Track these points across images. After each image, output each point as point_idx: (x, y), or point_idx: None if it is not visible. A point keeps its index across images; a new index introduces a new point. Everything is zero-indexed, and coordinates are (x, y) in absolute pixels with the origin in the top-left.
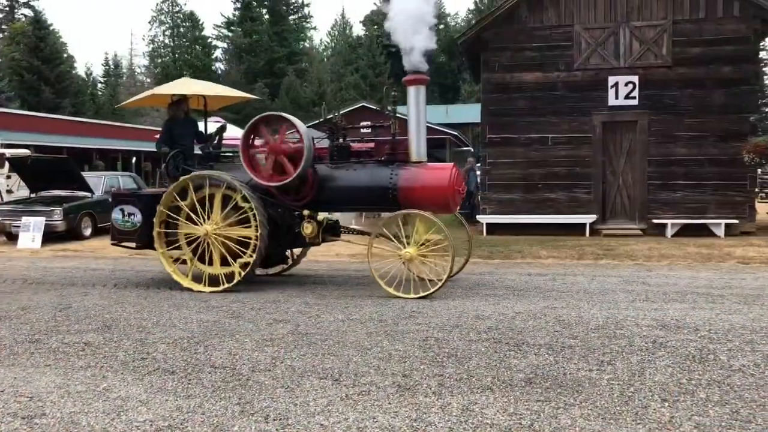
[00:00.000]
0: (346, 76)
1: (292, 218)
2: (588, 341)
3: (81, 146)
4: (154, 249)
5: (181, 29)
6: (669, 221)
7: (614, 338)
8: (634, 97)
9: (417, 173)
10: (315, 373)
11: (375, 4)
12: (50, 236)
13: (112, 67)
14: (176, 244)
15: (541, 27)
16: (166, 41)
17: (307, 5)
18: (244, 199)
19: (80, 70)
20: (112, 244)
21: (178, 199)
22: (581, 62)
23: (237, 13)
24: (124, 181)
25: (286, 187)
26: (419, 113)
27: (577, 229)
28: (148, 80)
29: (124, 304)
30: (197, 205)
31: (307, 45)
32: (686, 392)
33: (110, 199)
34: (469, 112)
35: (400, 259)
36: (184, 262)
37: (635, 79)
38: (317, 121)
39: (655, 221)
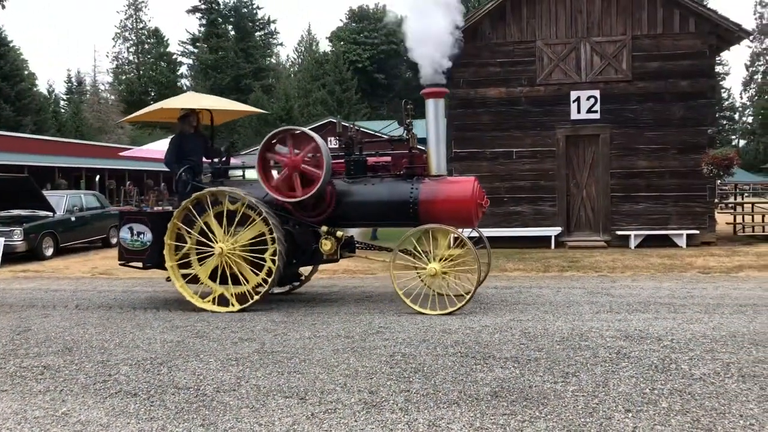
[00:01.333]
0: (313, 92)
1: (308, 234)
2: (553, 353)
3: (43, 164)
4: (164, 269)
5: (146, 46)
6: (632, 232)
7: (579, 350)
8: (596, 111)
9: (438, 187)
10: (280, 391)
11: (341, 20)
12: (10, 257)
13: (75, 84)
14: (185, 260)
15: (504, 43)
16: (131, 58)
17: (274, 21)
18: (261, 215)
19: (42, 87)
20: (120, 265)
21: (194, 213)
22: (544, 77)
23: (202, 29)
24: (87, 199)
25: (303, 202)
26: (438, 126)
27: (542, 242)
28: (113, 97)
29: (86, 326)
30: (213, 221)
31: (273, 61)
32: (649, 402)
33: (119, 218)
34: None
35: (424, 275)
36: (192, 280)
37: (596, 93)
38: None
39: (619, 233)
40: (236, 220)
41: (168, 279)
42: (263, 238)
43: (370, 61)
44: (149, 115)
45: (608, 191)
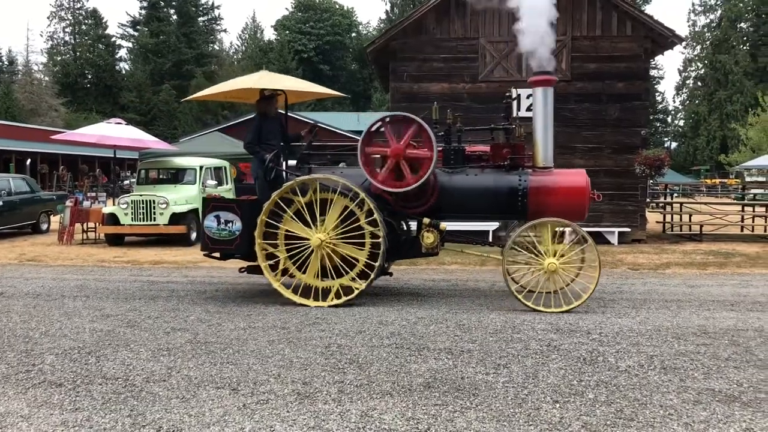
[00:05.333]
0: None
1: (402, 227)
2: (486, 345)
3: None
4: (252, 260)
5: (83, 26)
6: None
7: (511, 342)
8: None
9: (550, 179)
10: (212, 382)
11: (287, 9)
12: None
13: (6, 63)
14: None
15: (448, 39)
16: (67, 38)
17: (217, 7)
18: (361, 205)
19: None
20: (204, 255)
21: (297, 195)
22: (486, 74)
23: (143, 12)
24: (16, 183)
25: (405, 193)
26: (547, 116)
27: (481, 237)
28: (47, 78)
29: (10, 314)
30: (304, 210)
31: (216, 47)
32: (576, 393)
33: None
34: None
35: (542, 271)
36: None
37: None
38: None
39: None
40: (318, 209)
41: (242, 270)
42: (349, 211)
43: (315, 51)
44: (220, 95)
45: None
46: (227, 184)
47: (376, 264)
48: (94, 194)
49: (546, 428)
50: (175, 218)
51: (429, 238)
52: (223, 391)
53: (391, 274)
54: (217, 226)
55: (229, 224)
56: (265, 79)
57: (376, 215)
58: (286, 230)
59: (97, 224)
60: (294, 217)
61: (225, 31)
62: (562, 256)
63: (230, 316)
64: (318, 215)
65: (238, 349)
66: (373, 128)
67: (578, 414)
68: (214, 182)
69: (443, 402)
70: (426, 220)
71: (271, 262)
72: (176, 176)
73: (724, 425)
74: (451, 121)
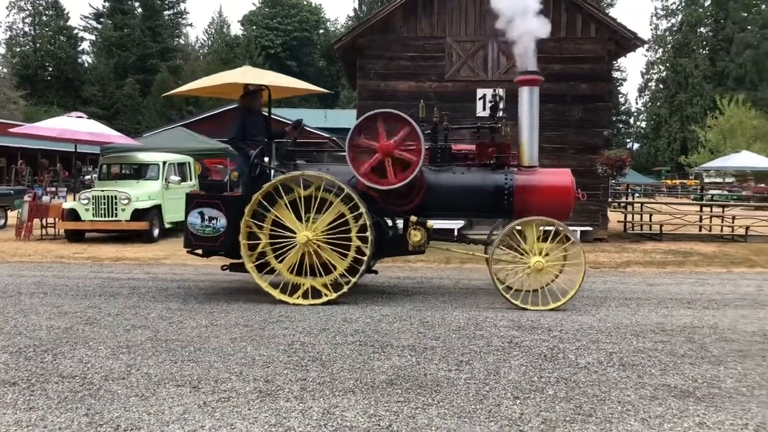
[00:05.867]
0: None
1: (388, 225)
2: (449, 342)
3: None
4: (236, 258)
5: (44, 17)
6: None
7: (474, 339)
8: (501, 109)
9: (536, 178)
10: (173, 380)
11: (254, 4)
12: None
13: None
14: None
15: (415, 38)
16: (26, 29)
17: (183, 1)
18: (357, 218)
19: None
20: (188, 252)
21: (280, 193)
22: (452, 74)
23: (107, 4)
24: None
25: (393, 191)
26: (533, 115)
27: (446, 235)
28: (5, 70)
29: None
30: (301, 203)
31: (182, 42)
32: (536, 389)
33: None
34: (348, 118)
35: (526, 270)
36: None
37: (502, 92)
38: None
39: (519, 227)
40: (313, 205)
41: (224, 267)
42: (344, 219)
43: (282, 47)
44: (203, 90)
45: None
46: (191, 180)
47: (361, 268)
48: (53, 189)
49: (506, 424)
50: (138, 214)
51: (416, 236)
52: (184, 389)
53: (376, 272)
54: (201, 222)
55: (214, 221)
56: (249, 74)
57: (362, 209)
58: (276, 217)
59: (57, 220)
60: (288, 206)
61: (191, 25)
62: (548, 254)
63: (192, 314)
64: (312, 212)
65: (199, 346)
66: (365, 122)
67: (538, 410)
68: (177, 178)
69: (405, 399)
70: (413, 218)
71: (257, 261)
72: (139, 171)
73: (678, 420)
74: (437, 119)
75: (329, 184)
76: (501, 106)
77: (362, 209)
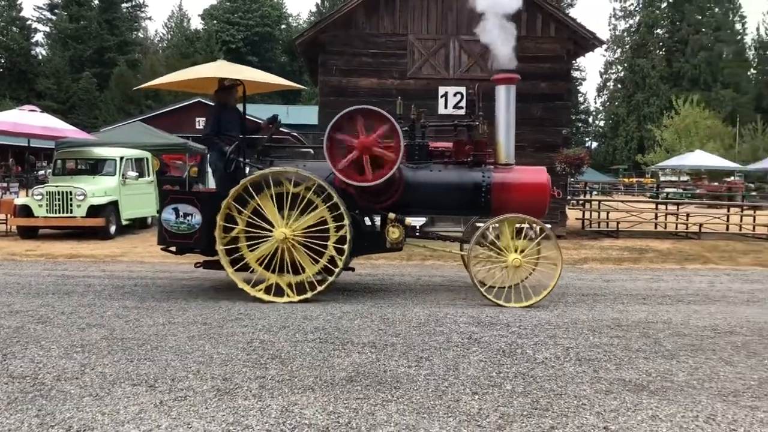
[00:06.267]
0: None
1: (366, 222)
2: (409, 338)
3: None
4: (211, 255)
5: None
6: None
7: (434, 335)
8: (462, 107)
9: (513, 175)
10: (128, 379)
11: None
12: None
13: None
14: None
15: (377, 34)
16: None
17: None
18: (327, 199)
19: None
20: (162, 249)
21: (253, 193)
22: (414, 71)
23: None
24: None
25: (371, 188)
26: (509, 113)
27: (409, 232)
28: None
29: None
30: (270, 203)
31: (140, 35)
32: (495, 385)
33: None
34: (310, 114)
35: (505, 267)
36: (241, 268)
37: (463, 90)
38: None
39: (478, 224)
40: (297, 204)
41: (198, 265)
42: (326, 225)
43: (243, 42)
44: (177, 84)
45: None
46: (149, 176)
47: (343, 255)
48: (5, 184)
49: (464, 419)
50: (93, 210)
51: (394, 233)
52: (140, 388)
53: (353, 269)
54: (175, 219)
55: (188, 217)
56: (225, 69)
57: (341, 206)
58: (258, 206)
59: (9, 216)
60: (273, 199)
61: (150, 18)
62: (523, 251)
63: (149, 312)
64: (296, 211)
65: (156, 345)
66: (343, 117)
67: (496, 405)
68: (135, 174)
69: (365, 395)
70: (391, 215)
71: (232, 256)
72: (95, 167)
73: (632, 413)
74: (415, 117)
75: (320, 188)
76: (479, 104)
77: (343, 212)
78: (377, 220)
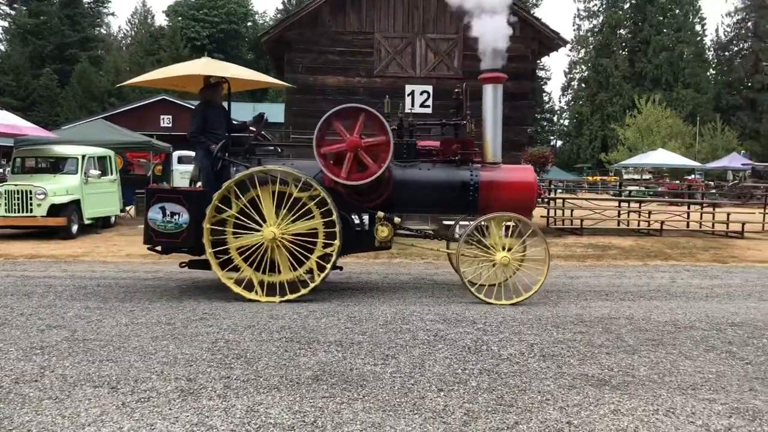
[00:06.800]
0: (146, 67)
1: (354, 221)
2: (376, 336)
3: None
4: (199, 255)
5: None
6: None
7: (400, 333)
8: (428, 106)
9: (501, 174)
10: (90, 381)
11: None
12: None
13: None
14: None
15: (344, 32)
16: None
17: None
18: (321, 205)
19: None
20: (148, 249)
21: (238, 193)
22: (381, 69)
23: None
24: None
25: (360, 187)
26: (496, 112)
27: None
28: None
29: None
30: (288, 198)
31: (103, 31)
32: (460, 381)
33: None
34: (276, 111)
35: (493, 264)
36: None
37: (430, 88)
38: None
39: (445, 222)
40: (297, 208)
41: (183, 264)
42: (315, 238)
43: (209, 39)
44: (162, 81)
45: None
46: (112, 174)
47: (332, 258)
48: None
49: (430, 416)
50: (55, 210)
51: (383, 231)
52: (101, 390)
53: (341, 269)
54: (162, 218)
55: (175, 216)
56: (210, 66)
57: (330, 204)
58: (257, 197)
59: None
60: (271, 195)
61: (113, 14)
62: (510, 249)
63: (112, 312)
64: (292, 213)
65: (119, 346)
66: (332, 117)
67: (461, 402)
68: (97, 172)
69: (331, 394)
70: (380, 214)
71: (221, 258)
72: (56, 165)
73: (594, 408)
74: (402, 115)
75: (306, 185)
76: (467, 103)
77: (332, 209)
78: (365, 218)
